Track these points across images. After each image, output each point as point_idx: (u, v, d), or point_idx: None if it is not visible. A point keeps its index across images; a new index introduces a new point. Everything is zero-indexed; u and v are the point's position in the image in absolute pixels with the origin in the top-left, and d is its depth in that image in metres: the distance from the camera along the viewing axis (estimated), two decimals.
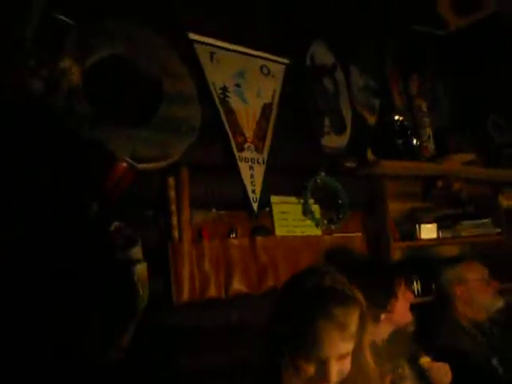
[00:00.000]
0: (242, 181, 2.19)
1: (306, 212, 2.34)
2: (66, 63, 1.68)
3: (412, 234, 2.62)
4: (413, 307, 2.02)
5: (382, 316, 1.85)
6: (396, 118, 2.67)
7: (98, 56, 1.88)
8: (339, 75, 2.69)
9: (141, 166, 1.83)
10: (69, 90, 1.72)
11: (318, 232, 2.36)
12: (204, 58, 2.25)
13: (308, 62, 2.58)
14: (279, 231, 2.25)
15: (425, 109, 2.80)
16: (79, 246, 1.64)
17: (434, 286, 2.56)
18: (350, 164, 2.49)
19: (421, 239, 2.61)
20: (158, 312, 1.84)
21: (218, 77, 2.27)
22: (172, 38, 2.10)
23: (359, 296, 1.30)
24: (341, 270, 1.35)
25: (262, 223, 2.21)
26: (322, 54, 2.65)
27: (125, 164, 1.74)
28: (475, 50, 2.90)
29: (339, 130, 2.58)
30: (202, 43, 2.25)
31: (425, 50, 2.95)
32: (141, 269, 1.77)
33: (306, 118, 2.51)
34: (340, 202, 2.42)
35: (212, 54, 2.28)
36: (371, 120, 2.75)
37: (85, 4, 1.85)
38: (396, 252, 2.55)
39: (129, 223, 1.80)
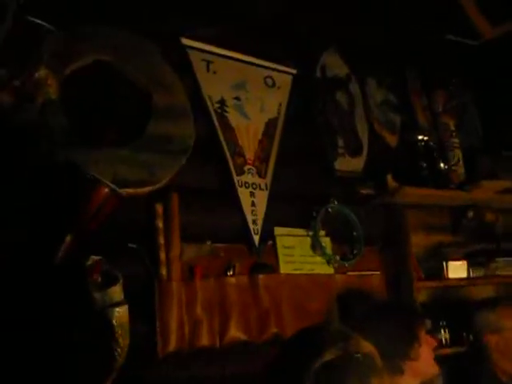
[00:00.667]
0: (241, 209, 2.22)
1: (316, 246, 2.36)
2: (41, 73, 1.69)
3: (438, 273, 2.63)
4: (442, 359, 2.03)
5: (405, 366, 1.86)
6: (420, 137, 2.71)
7: (78, 64, 1.93)
8: (354, 88, 2.73)
9: (124, 191, 1.85)
10: (43, 104, 1.75)
11: (329, 270, 2.38)
12: (199, 67, 2.30)
13: (318, 72, 2.63)
14: (284, 268, 2.26)
15: (453, 127, 2.84)
16: (45, 286, 1.64)
17: (465, 335, 2.57)
18: (366, 191, 2.52)
19: (448, 279, 2.62)
20: (141, 364, 1.84)
21: (214, 88, 2.31)
22: (163, 44, 2.14)
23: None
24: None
25: (264, 259, 2.24)
26: (334, 64, 2.70)
27: (106, 189, 1.76)
28: (510, 62, 2.94)
29: (354, 151, 2.61)
30: (197, 50, 2.30)
31: (452, 61, 3.02)
32: (121, 312, 1.75)
33: (317, 137, 2.55)
34: (355, 234, 2.45)
35: (208, 62, 2.33)
36: (391, 140, 2.79)
37: (65, 6, 1.91)
38: (420, 293, 2.56)
39: (109, 258, 1.80)
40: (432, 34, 2.80)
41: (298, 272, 2.28)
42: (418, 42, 2.87)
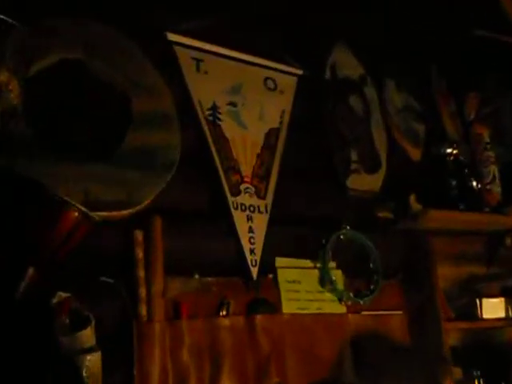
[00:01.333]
0: (236, 236, 2.22)
1: (325, 281, 2.35)
2: (1, 77, 1.71)
3: (471, 312, 2.62)
4: None
5: None
6: (448, 151, 2.71)
7: (44, 63, 1.93)
8: (370, 91, 2.74)
9: (97, 214, 1.84)
10: (3, 111, 1.76)
11: (340, 309, 2.37)
12: (188, 67, 2.31)
13: (328, 73, 2.64)
14: (287, 307, 2.25)
15: (487, 139, 2.86)
16: (2, 328, 1.66)
17: None
18: (385, 214, 2.52)
19: (483, 319, 2.62)
20: None
21: (206, 92, 2.32)
22: (145, 40, 2.16)
23: None
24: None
25: (263, 296, 2.23)
26: (346, 63, 2.71)
27: (75, 213, 1.74)
28: None
29: (371, 166, 2.61)
30: (186, 47, 2.31)
31: (486, 61, 3.00)
32: (92, 360, 1.76)
33: (326, 150, 2.56)
34: (371, 266, 2.45)
35: (198, 61, 2.34)
36: (414, 153, 2.79)
37: None
38: (449, 337, 2.53)
39: (79, 295, 1.82)
40: (460, 28, 2.80)
41: (303, 311, 2.28)
42: (445, 38, 2.87)
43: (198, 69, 2.32)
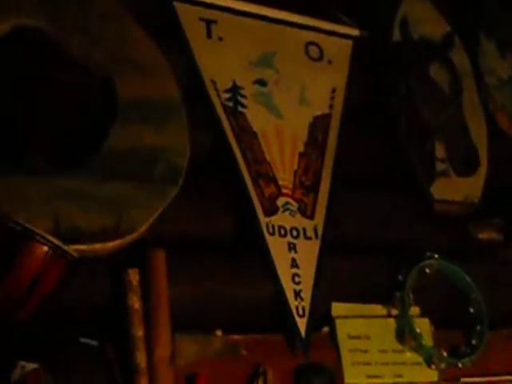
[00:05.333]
0: (274, 274, 2.21)
1: (405, 335, 2.33)
2: None
3: None
4: None
5: None
6: None
7: None
8: (459, 58, 2.72)
9: (75, 248, 1.83)
10: None
11: (430, 376, 2.35)
12: (195, 33, 2.31)
13: (397, 33, 2.62)
14: (352, 375, 2.25)
15: None
16: None
17: None
18: (489, 235, 2.50)
19: None
20: None
21: (221, 67, 2.33)
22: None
23: None
24: None
25: (316, 360, 2.22)
26: (423, 18, 2.69)
27: (43, 247, 1.72)
28: None
29: (465, 166, 2.59)
30: (191, 2, 2.31)
31: None
32: None
33: (398, 145, 2.53)
34: (472, 312, 2.42)
35: (209, 23, 2.34)
36: None
37: None
38: None
39: (50, 365, 1.82)
40: None
41: (375, 381, 2.28)
42: None
43: (209, 34, 2.34)
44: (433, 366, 2.35)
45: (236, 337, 2.13)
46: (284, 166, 2.33)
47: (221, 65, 2.33)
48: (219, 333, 2.11)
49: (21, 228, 1.71)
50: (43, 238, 1.73)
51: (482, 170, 2.63)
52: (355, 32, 2.58)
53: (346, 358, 2.25)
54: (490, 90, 2.75)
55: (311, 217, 2.32)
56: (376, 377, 2.27)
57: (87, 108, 2.08)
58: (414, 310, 2.37)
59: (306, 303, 2.21)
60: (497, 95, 2.77)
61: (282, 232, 2.25)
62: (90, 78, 2.08)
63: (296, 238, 2.27)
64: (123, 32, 2.15)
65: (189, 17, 2.31)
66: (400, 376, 2.30)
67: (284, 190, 2.30)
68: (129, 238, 2.01)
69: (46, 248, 1.73)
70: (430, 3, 2.73)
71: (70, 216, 1.94)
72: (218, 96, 2.29)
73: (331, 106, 2.47)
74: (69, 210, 1.94)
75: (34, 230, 1.72)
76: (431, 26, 2.71)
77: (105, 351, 1.98)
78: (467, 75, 2.73)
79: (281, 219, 2.26)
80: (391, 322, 2.36)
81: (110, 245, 1.98)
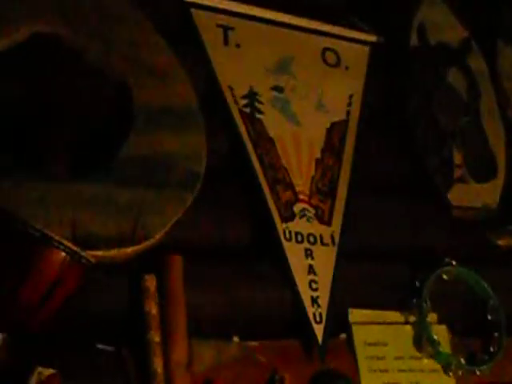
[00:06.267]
0: (290, 279, 2.19)
1: (423, 341, 2.30)
2: None
3: None
4: None
5: None
6: None
7: (9, 40, 1.94)
8: (477, 63, 2.68)
9: (92, 254, 1.81)
10: None
11: (448, 383, 2.33)
12: (213, 38, 2.31)
13: (414, 38, 2.59)
14: (368, 382, 2.22)
15: None
16: None
17: None
18: (507, 241, 2.46)
19: None
20: None
21: (239, 73, 2.31)
22: (151, 3, 2.17)
23: None
24: None
25: (333, 366, 2.19)
26: (441, 23, 2.66)
27: (61, 253, 1.70)
28: None
29: (483, 172, 2.55)
30: (209, 9, 2.30)
31: None
32: None
33: (416, 151, 2.50)
34: (490, 318, 2.39)
35: (227, 29, 2.33)
36: None
37: None
38: None
39: (67, 370, 1.81)
40: None
41: None
42: None
43: (226, 41, 2.33)
44: (450, 374, 2.33)
45: (253, 343, 2.11)
46: (301, 172, 2.31)
47: (238, 71, 2.31)
48: (236, 339, 2.10)
49: (39, 234, 1.68)
50: (61, 243, 1.73)
51: (500, 176, 2.60)
52: (372, 38, 2.56)
53: (363, 365, 2.24)
54: (508, 96, 2.71)
55: (328, 223, 2.29)
56: (394, 382, 2.24)
57: (103, 114, 2.06)
58: (432, 317, 2.35)
59: (323, 309, 2.19)
60: None
61: (299, 238, 2.22)
62: (106, 83, 2.06)
63: (313, 244, 2.24)
64: (140, 38, 2.13)
65: (206, 23, 2.30)
66: (417, 383, 2.27)
67: (301, 196, 2.27)
68: (145, 244, 1.99)
69: (63, 254, 1.71)
70: (447, 8, 2.70)
71: (86, 222, 1.93)
72: (236, 102, 2.27)
73: (348, 113, 2.45)
74: (86, 217, 1.93)
75: (51, 236, 1.69)
76: (449, 31, 2.69)
77: (122, 357, 1.95)
78: (485, 81, 2.69)
79: (298, 225, 2.23)
80: (408, 328, 2.34)
81: (127, 251, 1.96)
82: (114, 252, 1.93)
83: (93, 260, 1.77)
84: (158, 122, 2.08)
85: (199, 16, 2.27)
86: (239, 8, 2.34)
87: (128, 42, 2.11)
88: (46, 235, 1.69)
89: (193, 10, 2.26)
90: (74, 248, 1.73)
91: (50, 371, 1.79)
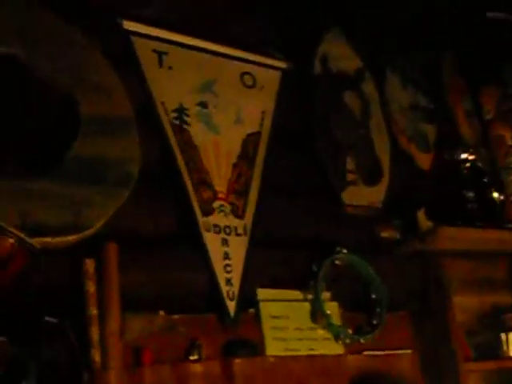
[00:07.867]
0: (209, 264, 2.23)
1: (318, 315, 2.35)
2: None
3: (494, 350, 2.62)
4: None
5: None
6: (463, 156, 2.72)
7: None
8: (369, 87, 2.75)
9: (38, 241, 1.84)
10: None
11: (337, 349, 2.37)
12: (148, 61, 2.33)
13: (318, 66, 2.66)
14: (272, 349, 2.25)
15: (510, 141, 2.88)
16: None
17: None
18: (389, 234, 2.53)
19: (509, 357, 2.62)
20: None
21: (170, 91, 2.34)
22: (96, 29, 2.18)
23: None
24: None
25: (242, 335, 2.23)
26: (339, 53, 2.72)
27: (10, 240, 1.75)
28: None
29: (371, 177, 2.62)
30: (146, 37, 2.33)
31: (506, 48, 2.99)
32: None
33: (316, 158, 2.57)
34: (374, 297, 2.45)
35: (161, 54, 2.36)
36: (423, 160, 2.81)
37: None
38: (469, 379, 2.53)
39: (16, 339, 1.82)
40: (474, 11, 2.83)
41: (292, 353, 2.28)
42: (458, 22, 2.91)
43: (160, 63, 2.35)
44: (340, 342, 2.37)
45: (176, 316, 2.13)
46: (220, 175, 2.35)
47: (170, 89, 2.34)
48: (162, 313, 2.11)
49: None
50: (10, 231, 1.76)
51: (385, 180, 2.69)
52: (283, 65, 2.61)
53: (268, 335, 2.27)
54: (393, 116, 2.81)
55: (242, 217, 2.35)
56: (293, 350, 2.29)
57: (53, 122, 2.07)
58: (326, 295, 2.39)
59: (236, 289, 2.24)
60: (398, 120, 2.82)
61: (217, 229, 2.28)
62: (56, 97, 2.07)
63: (228, 234, 2.30)
64: (85, 58, 2.14)
65: (143, 49, 2.32)
66: (313, 349, 2.33)
67: (219, 195, 2.33)
68: (87, 233, 2.00)
69: (11, 240, 1.76)
70: (345, 42, 2.77)
71: (34, 213, 1.92)
72: (167, 115, 2.31)
73: (261, 126, 2.50)
74: (33, 208, 1.92)
75: (2, 226, 1.74)
76: (346, 61, 2.76)
77: (65, 328, 1.95)
78: (375, 103, 2.78)
79: (216, 219, 2.29)
80: (306, 305, 2.37)
81: (70, 239, 1.97)
82: (59, 239, 1.94)
83: (38, 246, 1.82)
84: (101, 130, 2.10)
85: (138, 42, 2.30)
86: (172, 36, 2.36)
87: (75, 62, 2.11)
88: None
89: (132, 37, 2.29)
90: (21, 235, 1.77)
91: (1, 339, 1.79)
